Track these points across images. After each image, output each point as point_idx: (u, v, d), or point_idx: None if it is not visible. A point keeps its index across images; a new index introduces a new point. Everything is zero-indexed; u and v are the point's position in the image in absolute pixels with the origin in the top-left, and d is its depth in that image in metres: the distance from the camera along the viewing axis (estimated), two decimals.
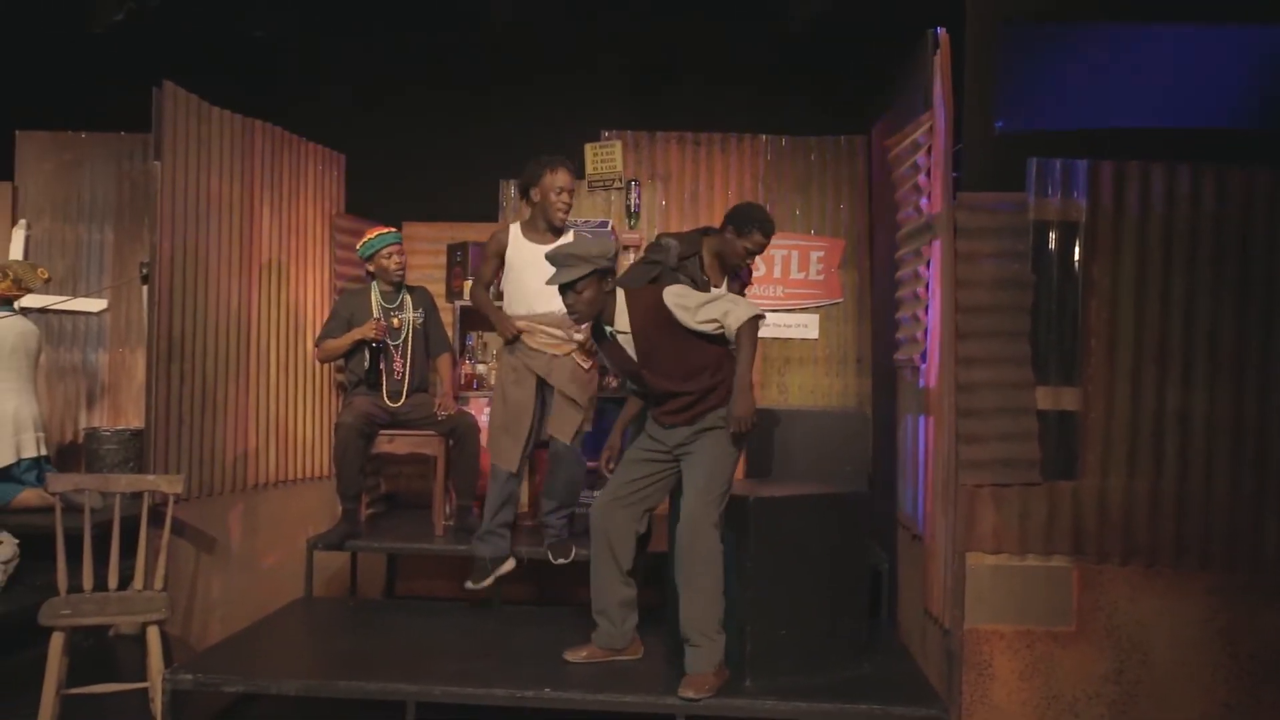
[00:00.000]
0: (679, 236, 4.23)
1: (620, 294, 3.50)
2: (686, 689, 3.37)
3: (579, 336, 4.18)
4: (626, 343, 3.53)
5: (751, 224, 4.02)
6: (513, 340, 4.24)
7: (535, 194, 4.18)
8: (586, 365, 4.26)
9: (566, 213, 4.22)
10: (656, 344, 3.47)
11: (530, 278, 4.13)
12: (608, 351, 3.65)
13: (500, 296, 4.40)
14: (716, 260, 4.17)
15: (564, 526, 4.33)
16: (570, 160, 4.27)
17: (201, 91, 4.37)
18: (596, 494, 3.91)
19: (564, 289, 3.44)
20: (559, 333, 4.18)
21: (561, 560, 4.22)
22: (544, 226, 4.22)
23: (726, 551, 3.47)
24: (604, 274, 3.45)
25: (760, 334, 3.53)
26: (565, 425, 4.19)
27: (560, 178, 4.15)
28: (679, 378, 3.47)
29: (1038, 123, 3.77)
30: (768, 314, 5.42)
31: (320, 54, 5.66)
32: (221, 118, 4.52)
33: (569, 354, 4.22)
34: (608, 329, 3.54)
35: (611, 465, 3.77)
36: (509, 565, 4.30)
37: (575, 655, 3.70)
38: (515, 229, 4.27)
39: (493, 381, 5.36)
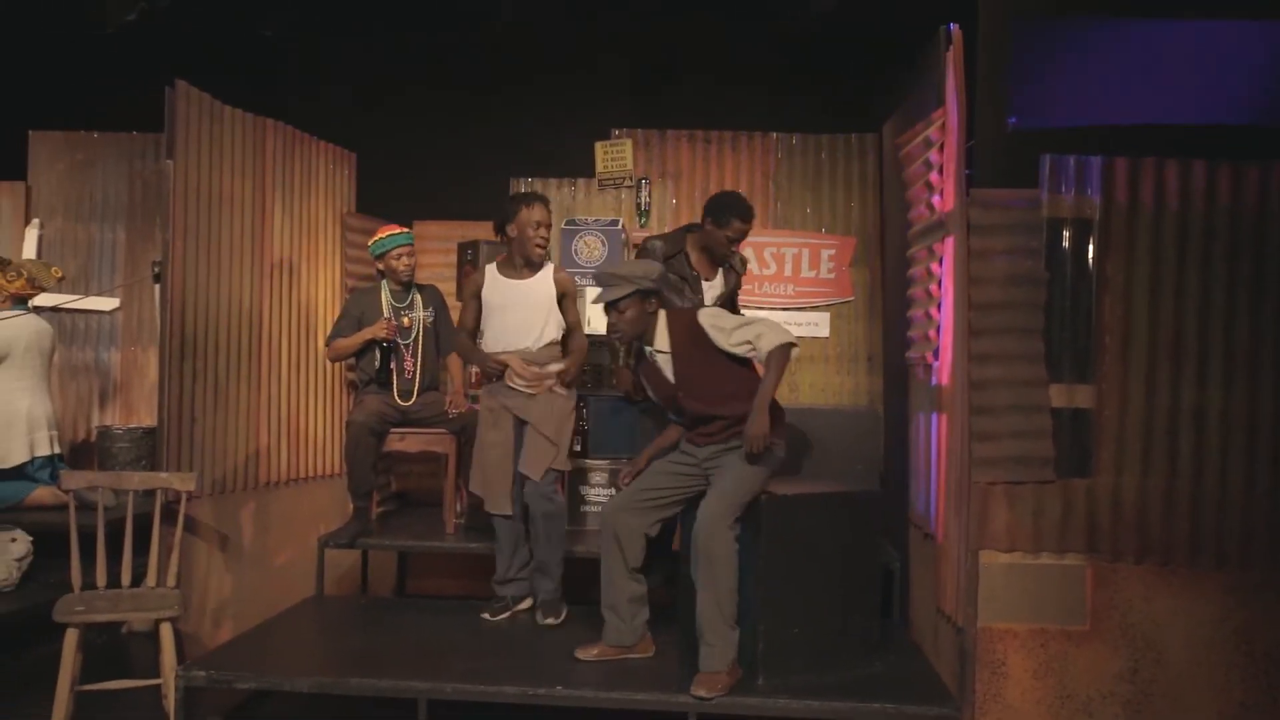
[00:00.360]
0: (664, 237, 4.33)
1: (662, 315, 3.60)
2: (699, 687, 3.37)
3: (555, 368, 4.14)
4: (665, 364, 3.61)
5: (728, 213, 4.07)
6: (491, 380, 4.18)
7: (512, 230, 4.13)
8: (564, 394, 4.18)
9: (544, 248, 4.16)
10: (693, 365, 3.55)
11: (508, 315, 4.15)
12: (646, 373, 3.72)
13: (476, 337, 4.32)
14: (704, 255, 4.24)
15: (554, 588, 4.20)
16: (546, 197, 4.20)
17: (212, 91, 4.38)
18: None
19: (607, 308, 3.56)
20: (535, 368, 4.12)
21: (551, 620, 4.12)
22: (520, 263, 4.16)
23: (740, 551, 3.47)
24: (646, 294, 3.54)
25: None
26: (535, 461, 4.09)
27: (536, 213, 4.10)
28: (715, 401, 3.55)
29: (1051, 119, 3.75)
30: (779, 312, 5.51)
31: (330, 54, 5.68)
32: (234, 117, 4.53)
33: (548, 389, 4.14)
34: (647, 349, 3.62)
35: (628, 481, 3.76)
36: (528, 603, 4.29)
37: (586, 653, 3.70)
38: (491, 269, 4.23)
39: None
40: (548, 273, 4.20)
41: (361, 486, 4.64)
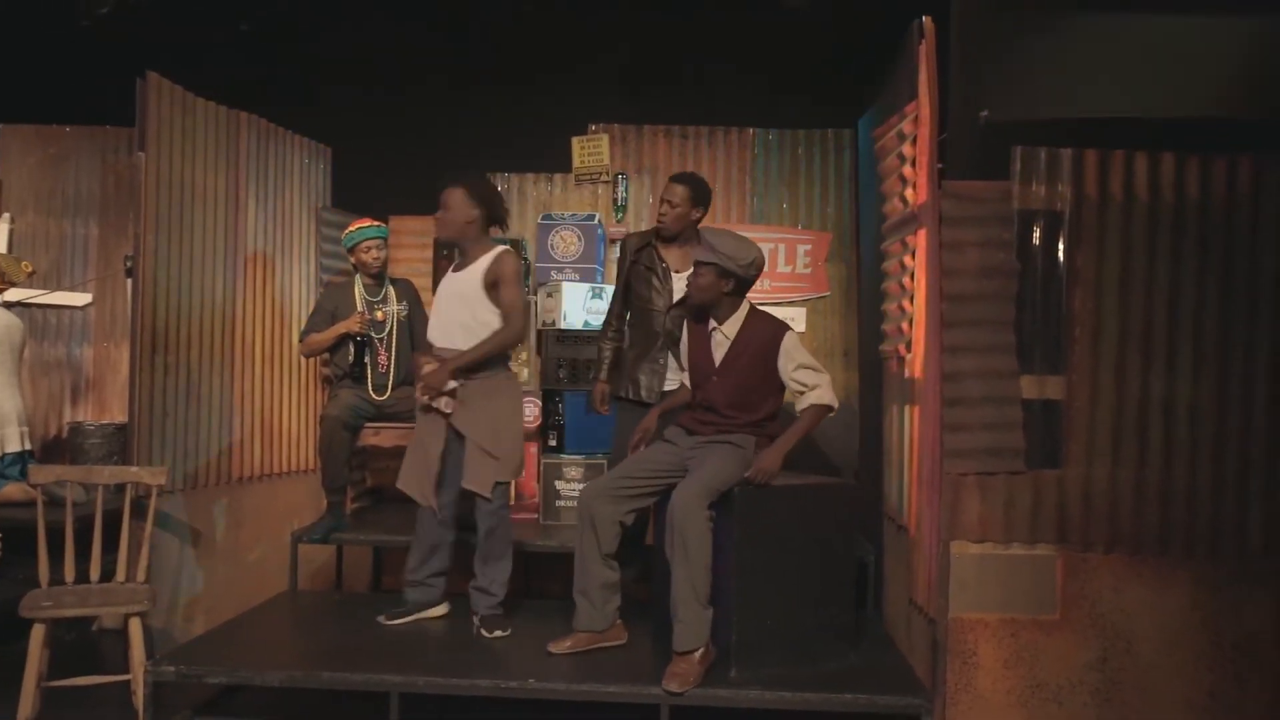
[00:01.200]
0: (638, 235, 4.44)
1: (748, 305, 3.69)
2: (670, 680, 3.36)
3: (451, 386, 3.78)
4: (720, 346, 3.67)
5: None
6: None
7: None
8: (504, 391, 3.87)
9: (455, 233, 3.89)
10: (743, 364, 3.63)
11: (439, 311, 3.91)
12: (693, 342, 3.76)
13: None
14: (672, 247, 4.28)
15: (497, 604, 3.96)
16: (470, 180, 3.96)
17: (186, 84, 4.35)
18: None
19: (696, 265, 3.64)
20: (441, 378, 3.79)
21: (499, 633, 3.87)
22: (459, 251, 3.96)
23: (715, 541, 3.47)
24: (725, 274, 3.57)
25: None
26: (476, 476, 3.81)
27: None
28: (736, 403, 3.64)
29: (1024, 112, 3.76)
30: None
31: (307, 47, 5.64)
32: (206, 109, 4.51)
33: (444, 407, 3.83)
34: (712, 324, 3.68)
35: (643, 447, 3.77)
36: (439, 610, 4.09)
37: (559, 647, 3.69)
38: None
39: None
40: (485, 260, 3.82)
41: (336, 481, 4.60)
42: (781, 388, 3.68)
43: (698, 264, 3.64)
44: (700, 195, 4.23)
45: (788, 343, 3.62)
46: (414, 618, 4.03)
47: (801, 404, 3.60)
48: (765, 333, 3.65)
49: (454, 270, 3.94)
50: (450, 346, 3.82)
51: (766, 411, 3.68)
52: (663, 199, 4.24)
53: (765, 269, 5.48)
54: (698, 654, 3.44)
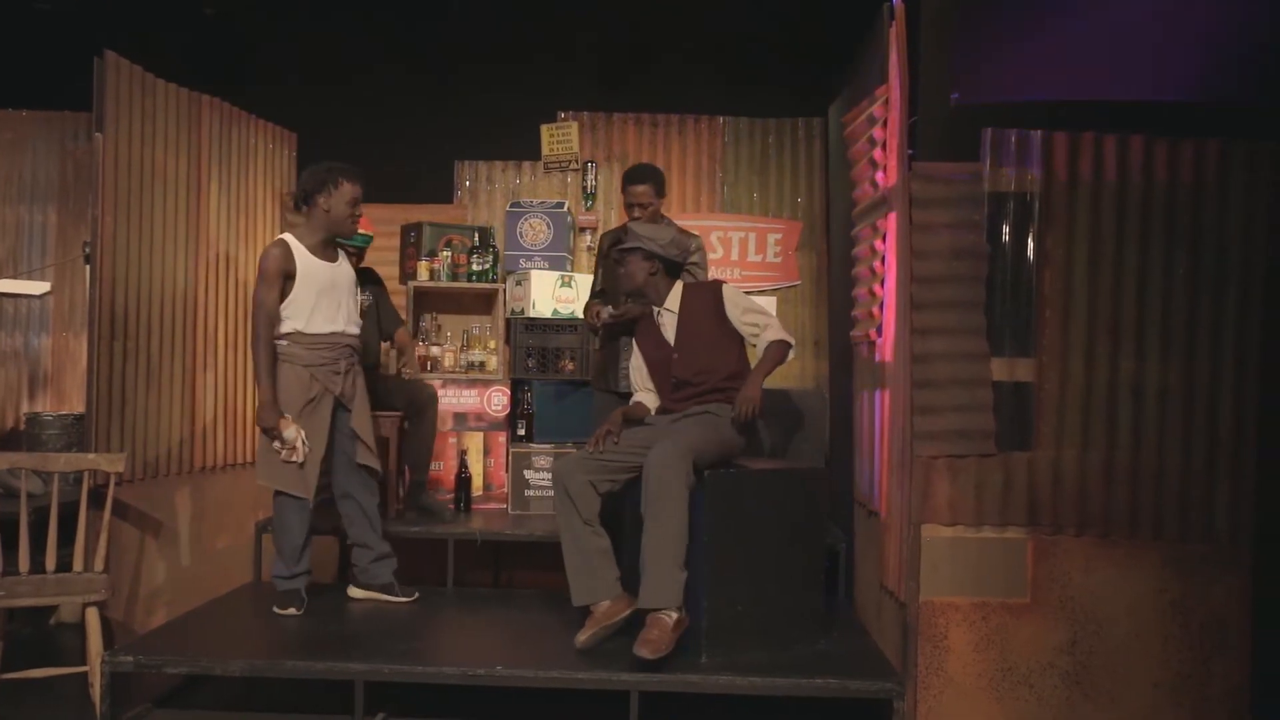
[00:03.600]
0: (610, 232, 4.56)
1: (679, 284, 3.90)
2: (642, 647, 3.29)
3: None
4: (670, 324, 3.84)
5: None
6: None
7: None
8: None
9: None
10: (696, 331, 3.79)
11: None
12: (643, 335, 3.94)
13: None
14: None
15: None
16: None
17: (148, 68, 4.26)
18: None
19: (621, 255, 3.87)
20: None
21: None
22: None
23: (690, 524, 3.42)
24: (649, 256, 3.80)
25: None
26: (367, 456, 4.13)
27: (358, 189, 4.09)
28: (705, 367, 3.77)
29: (994, 95, 3.75)
30: None
31: (271, 31, 5.56)
32: (167, 90, 4.41)
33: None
34: (655, 308, 3.88)
35: (612, 441, 3.69)
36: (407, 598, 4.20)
37: (584, 637, 3.55)
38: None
39: (446, 364, 5.31)
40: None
41: None
42: (740, 338, 3.84)
43: (620, 251, 3.85)
44: (661, 185, 4.34)
45: (727, 291, 3.83)
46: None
47: (760, 344, 3.74)
48: (704, 291, 3.88)
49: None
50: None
51: (735, 365, 3.80)
52: (629, 203, 4.30)
53: (736, 258, 5.60)
54: (671, 620, 3.36)
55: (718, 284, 3.88)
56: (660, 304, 3.86)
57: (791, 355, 3.77)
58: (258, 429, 4.00)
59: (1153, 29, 3.68)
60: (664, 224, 4.12)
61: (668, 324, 3.85)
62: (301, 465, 3.91)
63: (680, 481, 3.38)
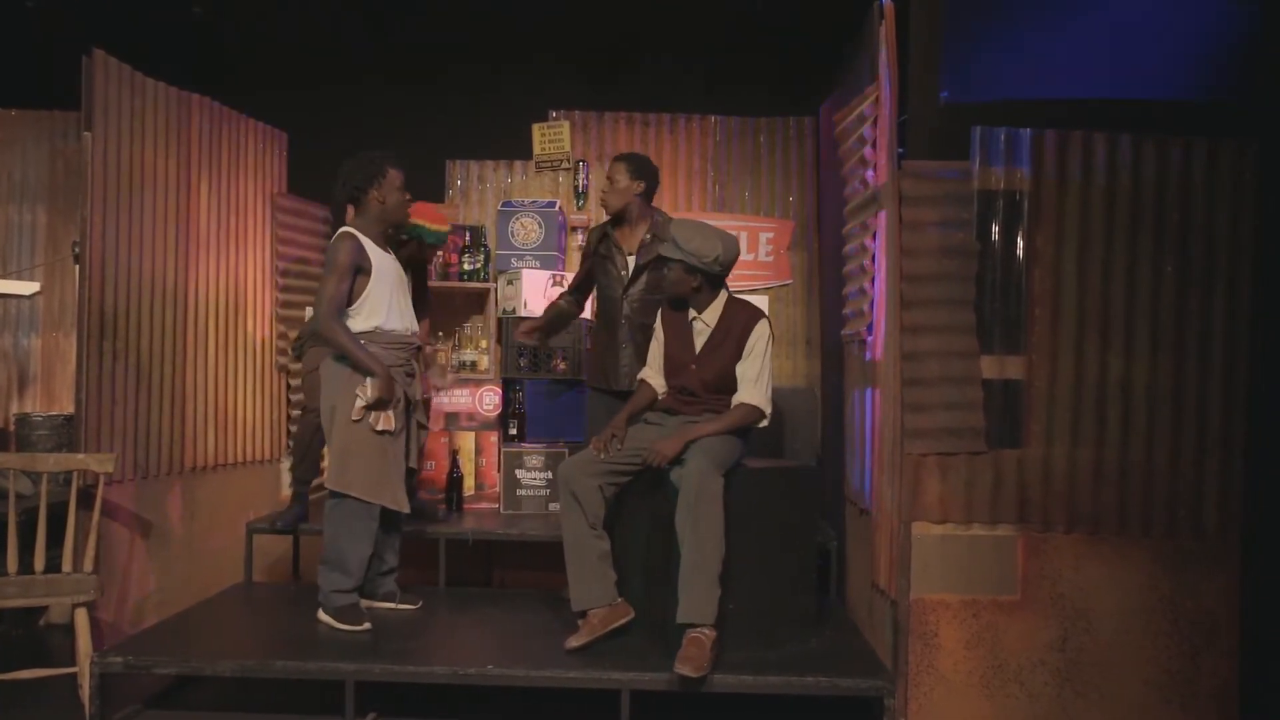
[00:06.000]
0: (598, 227, 4.40)
1: (725, 296, 3.70)
2: (683, 665, 3.25)
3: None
4: (701, 334, 3.67)
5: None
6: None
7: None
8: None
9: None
10: (721, 352, 3.62)
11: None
12: (671, 333, 3.76)
13: None
14: (624, 229, 4.22)
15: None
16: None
17: (139, 67, 4.25)
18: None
19: (663, 262, 3.69)
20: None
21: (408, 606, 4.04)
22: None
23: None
24: (691, 270, 3.57)
25: None
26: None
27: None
28: (715, 387, 3.64)
29: (984, 94, 3.76)
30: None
31: (260, 31, 5.54)
32: (156, 89, 4.40)
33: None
34: (692, 314, 3.69)
35: (617, 446, 3.61)
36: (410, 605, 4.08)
37: (576, 641, 3.55)
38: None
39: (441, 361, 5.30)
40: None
41: (308, 474, 4.59)
42: None
43: (662, 259, 3.66)
44: (640, 170, 4.15)
45: (759, 329, 3.61)
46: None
47: (735, 399, 3.59)
48: (743, 315, 3.66)
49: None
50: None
51: None
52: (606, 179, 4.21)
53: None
54: (709, 639, 3.33)
55: (758, 315, 3.66)
56: (700, 312, 3.68)
57: (764, 424, 3.64)
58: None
59: (1141, 28, 3.69)
60: (706, 235, 3.66)
61: (699, 333, 3.69)
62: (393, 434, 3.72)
63: (720, 498, 3.38)
